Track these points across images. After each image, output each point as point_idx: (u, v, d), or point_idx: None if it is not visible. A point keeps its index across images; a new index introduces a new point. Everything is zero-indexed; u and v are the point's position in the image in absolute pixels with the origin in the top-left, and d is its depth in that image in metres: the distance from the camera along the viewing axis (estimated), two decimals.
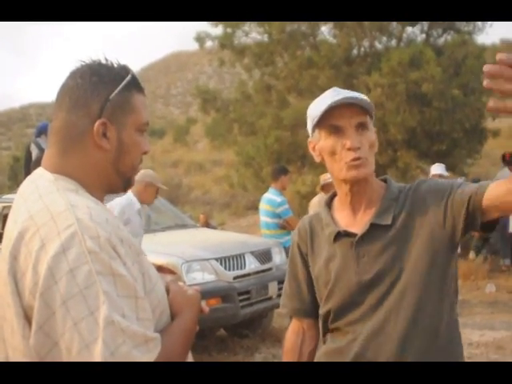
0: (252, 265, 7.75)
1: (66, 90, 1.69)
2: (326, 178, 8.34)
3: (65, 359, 1.42)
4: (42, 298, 1.43)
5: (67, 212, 1.50)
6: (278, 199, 8.63)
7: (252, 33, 17.69)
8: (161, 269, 6.49)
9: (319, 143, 2.19)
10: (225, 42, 17.60)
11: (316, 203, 8.57)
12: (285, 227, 8.68)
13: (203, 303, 1.81)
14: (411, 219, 2.14)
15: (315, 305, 2.34)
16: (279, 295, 7.77)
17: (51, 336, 1.43)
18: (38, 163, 1.79)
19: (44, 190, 1.59)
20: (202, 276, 7.19)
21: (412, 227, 2.13)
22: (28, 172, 7.55)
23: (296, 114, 14.54)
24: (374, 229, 2.15)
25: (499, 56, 1.37)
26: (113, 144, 1.68)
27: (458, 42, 16.51)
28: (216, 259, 7.39)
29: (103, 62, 1.73)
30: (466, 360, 2.25)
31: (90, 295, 1.42)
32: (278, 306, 8.04)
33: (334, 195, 2.35)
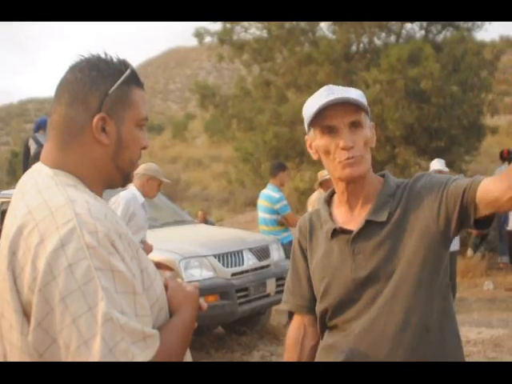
0: (250, 261, 7.75)
1: (65, 85, 1.69)
2: (323, 174, 8.35)
3: (63, 356, 1.42)
4: (40, 294, 1.42)
5: (66, 207, 1.50)
6: (277, 195, 8.63)
7: (251, 28, 17.67)
8: (159, 265, 6.46)
9: (315, 142, 2.21)
10: (224, 38, 17.58)
11: (315, 200, 8.58)
12: (283, 223, 8.69)
13: (201, 300, 1.81)
14: (407, 215, 2.14)
15: (316, 301, 2.34)
16: (277, 292, 7.79)
17: (50, 332, 1.42)
18: (36, 158, 1.79)
19: (43, 185, 1.59)
20: (199, 273, 7.19)
21: (407, 223, 2.14)
22: (26, 167, 7.54)
23: (295, 110, 14.52)
24: (369, 225, 2.16)
25: None
26: (112, 139, 1.68)
27: (456, 39, 16.50)
28: (214, 256, 7.40)
29: (102, 56, 1.72)
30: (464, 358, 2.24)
31: (89, 291, 1.41)
32: (276, 303, 8.07)
33: (334, 192, 2.35)
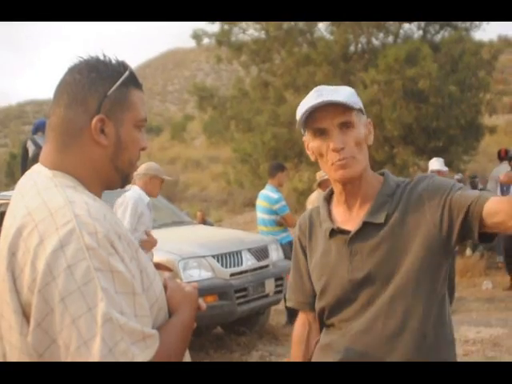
0: (249, 262, 7.75)
1: (63, 86, 1.69)
2: (322, 175, 8.34)
3: (63, 356, 1.42)
4: (40, 295, 1.43)
5: (65, 208, 1.50)
6: (275, 196, 8.63)
7: (249, 29, 17.67)
8: (158, 266, 6.48)
9: (310, 143, 2.20)
10: (222, 39, 17.58)
11: (314, 200, 8.57)
12: (282, 224, 8.69)
13: (200, 300, 1.81)
14: (406, 218, 2.12)
15: None
16: (276, 292, 7.80)
17: (49, 333, 1.43)
18: (34, 160, 1.79)
19: (42, 186, 1.59)
20: (198, 273, 7.19)
21: (407, 226, 2.12)
22: (25, 169, 7.54)
23: (293, 110, 14.44)
24: (366, 227, 2.15)
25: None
26: (111, 140, 1.68)
27: (454, 39, 16.52)
28: (213, 256, 7.40)
29: (101, 58, 1.72)
30: (463, 357, 2.26)
31: (89, 292, 1.42)
32: (274, 304, 8.08)
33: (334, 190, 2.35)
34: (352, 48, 17.61)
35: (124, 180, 1.78)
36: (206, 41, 18.28)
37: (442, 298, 2.18)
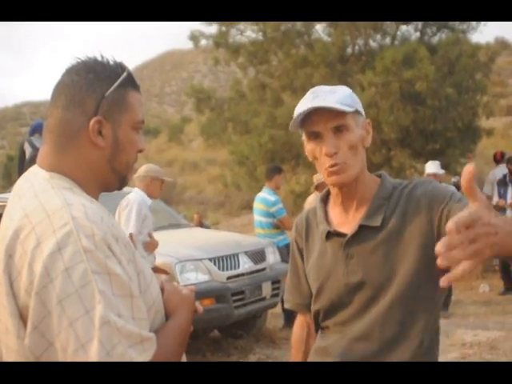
0: (246, 265, 7.74)
1: (61, 87, 1.68)
2: (319, 177, 8.33)
3: (60, 359, 1.42)
4: (37, 297, 1.42)
5: (63, 210, 1.50)
6: (272, 198, 8.63)
7: (246, 31, 17.72)
8: (155, 269, 6.49)
9: (306, 145, 2.19)
10: (219, 41, 17.62)
11: (311, 202, 8.56)
12: (279, 227, 8.69)
13: (197, 303, 1.81)
14: (403, 222, 2.10)
15: None
16: (273, 295, 7.79)
17: (46, 336, 1.42)
18: (31, 162, 1.78)
19: (39, 188, 1.58)
20: (195, 276, 7.18)
21: (403, 231, 2.10)
22: (22, 171, 7.53)
23: (290, 112, 14.41)
24: (363, 230, 2.13)
25: (448, 227, 1.28)
26: (108, 142, 1.67)
27: (451, 41, 16.56)
28: (210, 259, 7.39)
29: (99, 59, 1.71)
30: (460, 360, 2.25)
31: (86, 294, 1.41)
32: (272, 307, 8.07)
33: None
34: (349, 50, 17.67)
35: (121, 182, 1.78)
36: (203, 42, 18.33)
37: (438, 305, 2.18)
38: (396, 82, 14.74)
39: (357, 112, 2.12)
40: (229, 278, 7.46)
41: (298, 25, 17.08)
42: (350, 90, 2.16)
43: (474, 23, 17.50)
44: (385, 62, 14.89)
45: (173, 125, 46.19)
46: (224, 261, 7.51)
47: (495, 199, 10.48)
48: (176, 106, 73.14)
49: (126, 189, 1.96)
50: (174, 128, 43.82)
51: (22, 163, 9.39)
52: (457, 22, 17.33)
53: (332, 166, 2.08)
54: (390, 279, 2.08)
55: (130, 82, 1.73)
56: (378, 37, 17.65)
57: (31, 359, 1.45)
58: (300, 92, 16.06)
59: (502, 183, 10.35)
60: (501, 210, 10.32)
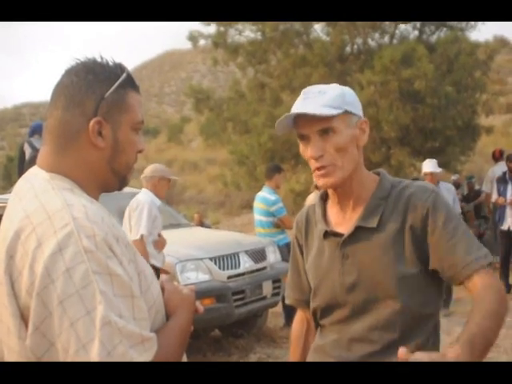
0: (246, 264, 7.74)
1: (61, 88, 1.68)
2: None
3: (61, 359, 1.42)
4: (38, 298, 1.42)
5: (63, 211, 1.50)
6: (272, 198, 8.62)
7: (245, 31, 17.70)
8: (155, 268, 6.50)
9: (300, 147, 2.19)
10: (218, 41, 17.61)
11: (312, 201, 8.54)
12: (279, 226, 8.68)
13: (198, 303, 1.81)
14: (399, 226, 2.09)
15: None
16: (274, 294, 7.78)
17: (48, 336, 1.43)
18: (31, 163, 1.78)
19: (40, 189, 1.58)
20: (196, 275, 7.17)
21: (399, 235, 2.09)
22: (22, 172, 7.53)
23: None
24: (359, 231, 2.13)
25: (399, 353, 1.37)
26: (108, 142, 1.67)
27: (450, 39, 16.55)
28: (210, 259, 7.38)
29: (98, 60, 1.72)
30: None
31: (87, 295, 1.42)
32: (272, 306, 8.05)
33: None
34: (348, 49, 17.66)
35: (121, 182, 1.78)
36: (202, 42, 18.33)
37: (438, 306, 2.18)
38: (395, 81, 14.74)
39: (346, 113, 2.09)
40: (229, 277, 7.45)
41: (297, 24, 17.07)
42: (342, 90, 2.13)
43: (472, 21, 17.50)
44: (383, 60, 14.89)
45: (172, 125, 46.20)
46: (224, 260, 7.51)
47: (494, 197, 10.47)
48: (175, 106, 73.15)
49: (125, 189, 1.96)
50: (174, 128, 43.83)
51: (22, 164, 9.40)
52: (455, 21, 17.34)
53: (319, 168, 2.09)
54: (385, 281, 2.07)
55: (130, 83, 1.73)
56: (377, 36, 17.65)
57: (32, 360, 1.46)
58: (299, 91, 15.83)
59: (502, 181, 10.34)
60: (500, 207, 10.32)
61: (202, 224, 14.05)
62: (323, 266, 2.21)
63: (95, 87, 1.66)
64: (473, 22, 17.47)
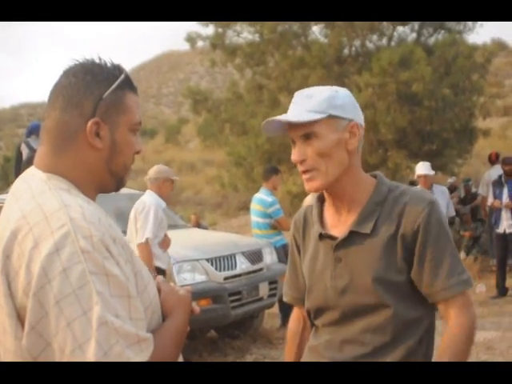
0: (243, 265, 7.74)
1: (59, 89, 1.68)
2: None
3: (58, 359, 1.42)
4: (35, 298, 1.43)
5: (60, 212, 1.50)
6: (269, 199, 8.62)
7: (243, 32, 17.71)
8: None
9: None
10: (216, 42, 17.62)
11: (309, 202, 8.57)
12: (276, 227, 8.69)
13: (194, 304, 1.81)
14: (393, 232, 2.09)
15: None
16: (270, 296, 7.79)
17: (44, 336, 1.43)
18: (28, 163, 1.79)
19: (37, 190, 1.59)
20: (192, 276, 7.18)
21: (392, 241, 2.09)
22: (19, 172, 7.52)
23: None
24: (353, 235, 2.13)
25: None
26: (106, 143, 1.68)
27: (448, 42, 16.57)
28: (207, 260, 7.39)
29: (96, 61, 1.72)
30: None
31: (84, 295, 1.42)
32: (269, 307, 8.06)
33: None
34: (346, 51, 17.67)
35: (118, 183, 1.78)
36: (200, 44, 18.32)
37: (431, 311, 2.18)
38: (393, 83, 14.75)
39: (331, 117, 2.08)
40: (226, 278, 7.46)
41: (295, 26, 17.08)
42: (332, 93, 2.11)
43: (470, 24, 17.53)
44: (381, 63, 14.90)
45: (170, 126, 46.11)
46: (221, 261, 7.51)
47: (490, 200, 10.49)
48: (173, 107, 73.06)
49: (122, 190, 1.96)
50: (171, 129, 43.75)
51: (19, 164, 9.37)
52: (453, 23, 17.35)
53: (304, 172, 2.12)
54: (375, 287, 2.07)
55: (128, 84, 1.73)
56: (375, 38, 17.66)
57: (28, 360, 1.46)
58: None
59: (498, 184, 10.36)
60: (496, 210, 10.34)
61: (198, 225, 14.03)
62: (317, 267, 2.22)
63: (93, 88, 1.66)
64: (471, 25, 17.50)
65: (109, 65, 1.72)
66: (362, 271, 2.09)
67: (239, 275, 7.66)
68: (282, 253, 8.39)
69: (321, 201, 2.33)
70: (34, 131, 9.43)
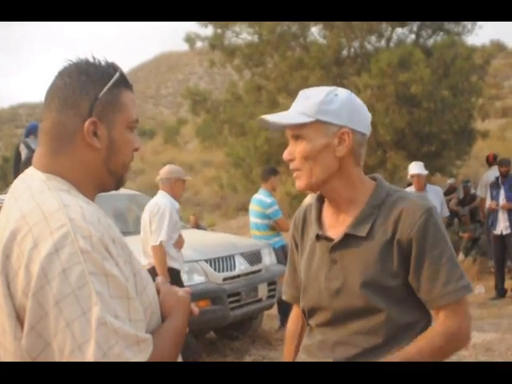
0: (242, 266, 7.74)
1: (54, 90, 1.68)
2: None
3: (57, 360, 1.42)
4: (34, 298, 1.42)
5: (60, 212, 1.50)
6: (268, 200, 8.62)
7: (242, 33, 17.72)
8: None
9: None
10: (215, 43, 17.63)
11: (308, 203, 8.56)
12: (275, 228, 8.69)
13: (193, 305, 1.81)
14: (389, 237, 2.08)
15: None
16: (269, 297, 7.79)
17: (43, 336, 1.43)
18: (27, 163, 1.78)
19: (36, 190, 1.58)
20: (191, 277, 7.17)
21: (388, 246, 2.08)
22: (17, 172, 7.51)
23: None
24: (348, 238, 2.12)
25: None
26: (103, 142, 1.67)
27: (447, 43, 16.59)
28: (206, 261, 7.39)
29: (91, 60, 1.71)
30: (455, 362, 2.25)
31: (83, 296, 1.42)
32: (267, 308, 8.05)
33: None
34: (345, 52, 17.68)
35: (118, 182, 1.78)
36: (199, 44, 18.32)
37: (427, 316, 2.17)
38: (391, 85, 14.76)
39: (319, 122, 2.07)
40: (225, 279, 7.46)
41: (294, 27, 17.10)
42: (327, 97, 2.09)
43: (469, 26, 17.55)
44: (380, 64, 14.91)
45: (168, 126, 46.09)
46: (220, 262, 7.51)
47: (488, 202, 10.51)
48: (172, 107, 73.05)
49: (121, 190, 1.96)
50: (170, 130, 43.74)
51: (18, 165, 9.37)
52: (452, 25, 17.38)
53: (293, 170, 2.16)
54: (369, 291, 2.07)
55: (123, 82, 1.73)
56: (374, 39, 17.67)
57: (28, 360, 1.45)
58: (295, 94, 15.87)
59: (494, 185, 10.39)
60: (493, 211, 10.35)
61: (197, 226, 14.04)
62: (313, 267, 2.22)
63: (89, 88, 1.65)
64: (470, 26, 17.52)
65: (103, 63, 1.72)
66: (354, 275, 2.09)
67: (238, 276, 7.66)
68: (281, 254, 8.40)
69: (320, 201, 2.32)
70: (32, 131, 9.42)
